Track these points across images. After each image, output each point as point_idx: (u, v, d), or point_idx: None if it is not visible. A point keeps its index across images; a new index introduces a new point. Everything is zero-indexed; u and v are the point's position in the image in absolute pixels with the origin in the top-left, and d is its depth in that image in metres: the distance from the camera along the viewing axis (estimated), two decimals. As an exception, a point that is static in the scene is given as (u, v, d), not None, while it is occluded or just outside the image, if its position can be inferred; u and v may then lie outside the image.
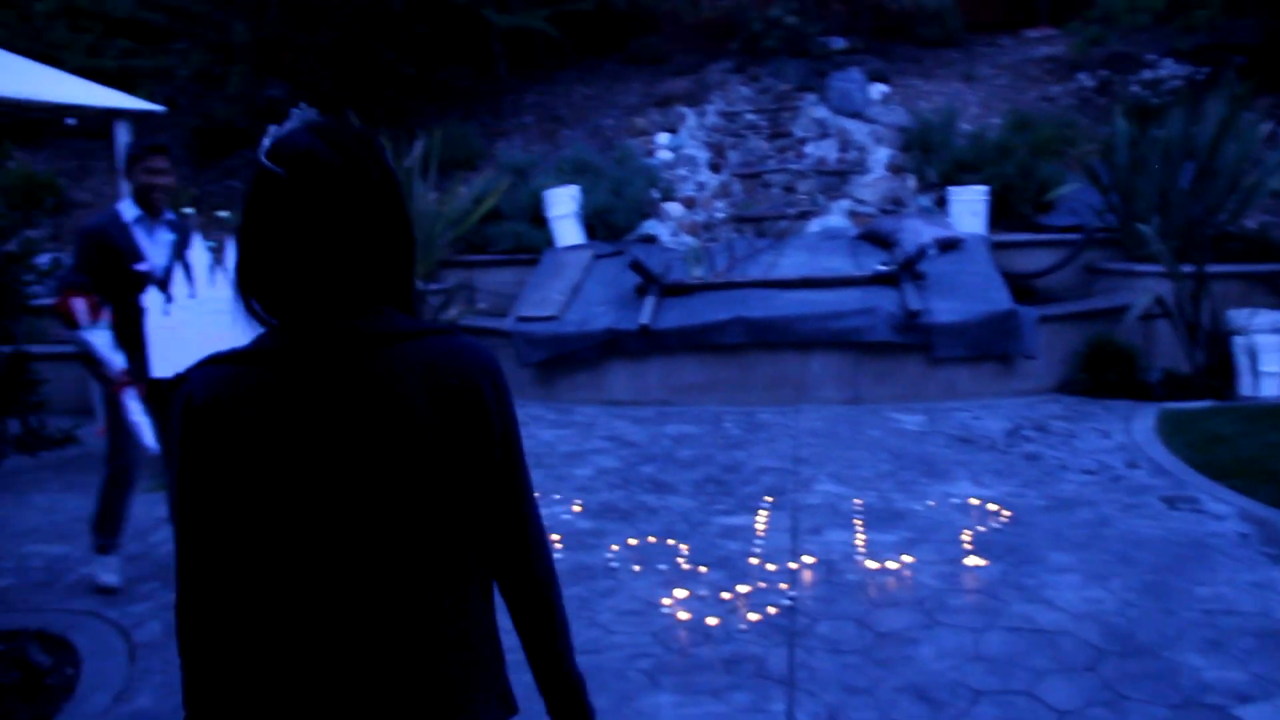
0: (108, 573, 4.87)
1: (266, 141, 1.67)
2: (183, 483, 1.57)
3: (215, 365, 1.56)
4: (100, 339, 4.33)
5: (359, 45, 10.89)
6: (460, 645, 1.62)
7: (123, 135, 8.49)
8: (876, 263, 8.55)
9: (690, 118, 11.09)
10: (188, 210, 4.39)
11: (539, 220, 9.94)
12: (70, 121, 12.60)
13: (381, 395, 1.53)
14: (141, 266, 4.54)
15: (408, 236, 1.62)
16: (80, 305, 4.38)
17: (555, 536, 5.28)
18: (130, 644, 4.40)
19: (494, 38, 12.09)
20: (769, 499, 5.72)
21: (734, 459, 6.51)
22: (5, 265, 3.90)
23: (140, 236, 4.61)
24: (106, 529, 4.83)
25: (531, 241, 9.83)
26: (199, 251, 4.59)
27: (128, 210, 4.65)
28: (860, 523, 5.30)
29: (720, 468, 6.35)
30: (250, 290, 1.57)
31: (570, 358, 8.29)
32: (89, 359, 4.41)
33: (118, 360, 4.34)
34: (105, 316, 4.43)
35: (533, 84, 12.60)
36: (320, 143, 1.52)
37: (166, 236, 4.66)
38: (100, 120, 8.99)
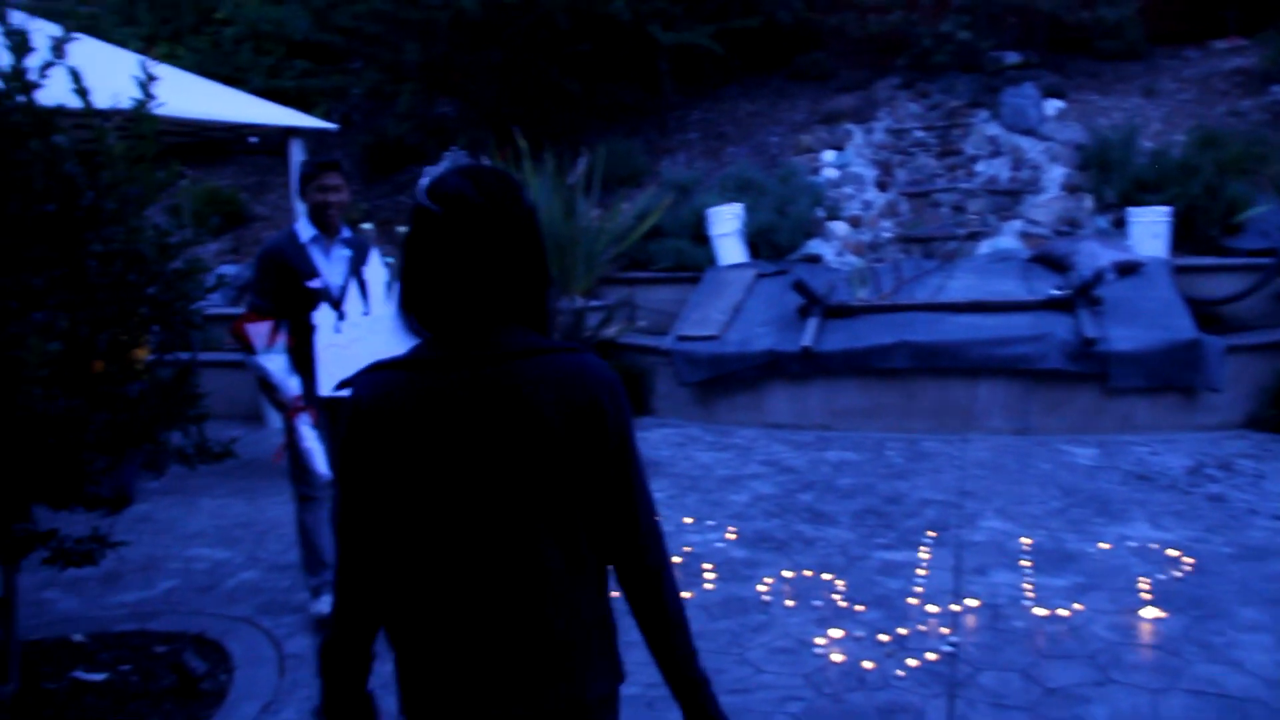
0: (325, 605, 4.78)
1: (424, 181, 2.03)
2: (346, 473, 1.86)
3: (379, 372, 1.86)
4: (275, 364, 4.39)
5: (525, 63, 11.04)
6: (573, 618, 1.87)
7: (297, 153, 8.80)
8: (1050, 287, 8.19)
9: (857, 135, 10.87)
10: (366, 226, 4.45)
11: (701, 238, 9.88)
12: (252, 140, 13.17)
13: (516, 401, 1.79)
14: (315, 284, 4.58)
15: (543, 266, 1.88)
16: (257, 330, 4.47)
17: (708, 565, 5.20)
18: (280, 654, 4.52)
19: (659, 55, 12.10)
20: (932, 534, 5.51)
21: (896, 489, 6.31)
22: (171, 282, 4.00)
23: (316, 255, 4.66)
24: (312, 566, 4.81)
25: (693, 259, 9.77)
26: (375, 268, 4.60)
27: (304, 229, 4.70)
28: (1028, 564, 5.05)
29: (881, 498, 6.16)
30: (410, 308, 1.88)
31: (730, 378, 8.20)
32: (265, 383, 4.49)
33: (292, 385, 4.40)
34: (282, 339, 4.50)
35: (698, 101, 12.56)
36: (469, 185, 1.80)
37: (343, 254, 4.70)
38: (278, 138, 9.35)
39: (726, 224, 9.67)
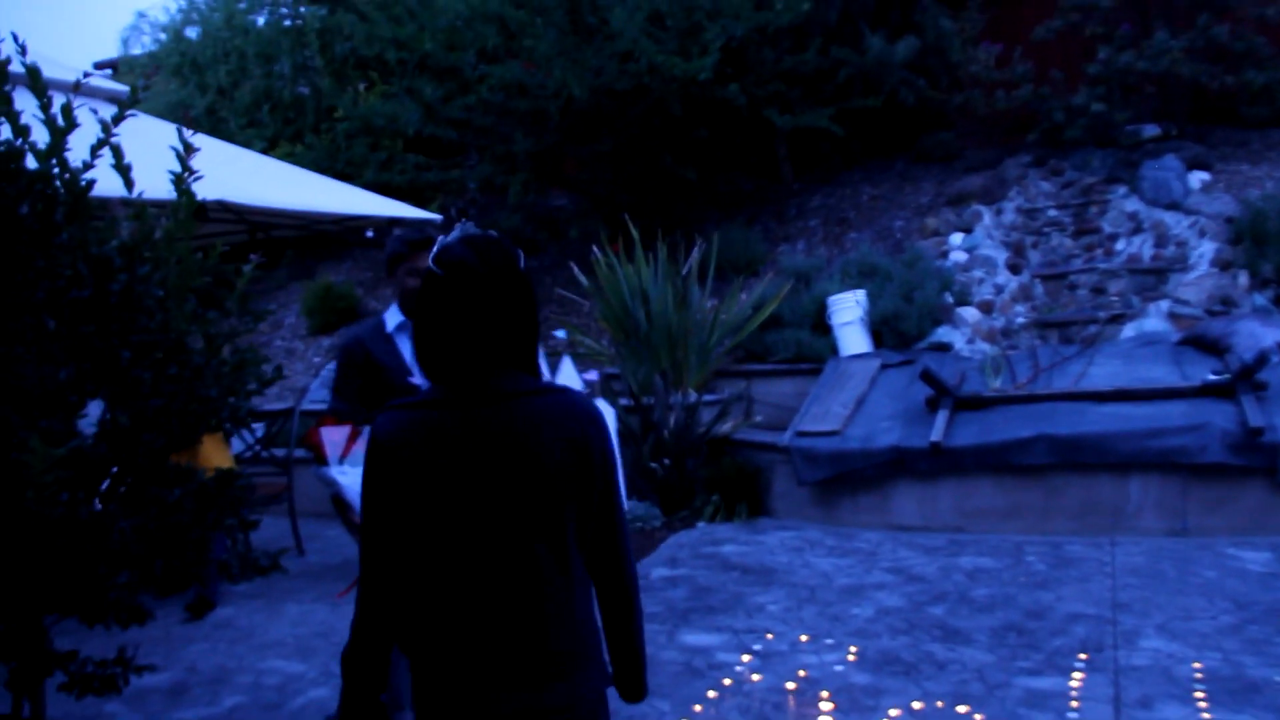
0: None
1: (435, 249, 2.19)
2: (368, 498, 2.16)
3: (395, 410, 2.16)
4: (350, 478, 3.86)
5: (639, 151, 10.74)
6: (567, 625, 2.13)
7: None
8: (1206, 371, 7.37)
9: (986, 216, 10.22)
10: None
11: (822, 327, 9.32)
12: (368, 234, 13.14)
13: (513, 435, 2.09)
14: (413, 380, 3.97)
15: (533, 322, 2.19)
16: (331, 436, 3.99)
17: (825, 694, 4.56)
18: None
19: (778, 140, 11.70)
20: (1083, 656, 4.77)
21: (1039, 601, 5.57)
22: (220, 376, 3.64)
23: (404, 346, 4.06)
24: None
25: (813, 350, 9.20)
26: None
27: (392, 317, 4.12)
28: (1202, 696, 4.28)
29: (1023, 612, 5.43)
30: (421, 359, 2.18)
31: (853, 477, 7.55)
32: (339, 501, 3.98)
33: None
34: (361, 449, 4.03)
35: (818, 186, 12.09)
36: (470, 253, 2.11)
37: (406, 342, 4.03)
38: (389, 231, 9.16)
39: (848, 312, 9.10)
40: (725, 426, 8.76)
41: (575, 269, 10.01)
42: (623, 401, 8.61)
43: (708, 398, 9.11)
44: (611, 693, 2.35)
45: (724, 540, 7.44)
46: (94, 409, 3.45)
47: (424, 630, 2.15)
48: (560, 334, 4.39)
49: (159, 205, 7.36)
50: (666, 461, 8.25)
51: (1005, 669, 4.71)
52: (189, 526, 3.46)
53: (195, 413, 3.70)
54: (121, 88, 8.24)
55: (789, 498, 8.01)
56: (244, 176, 8.02)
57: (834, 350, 9.16)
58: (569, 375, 3.95)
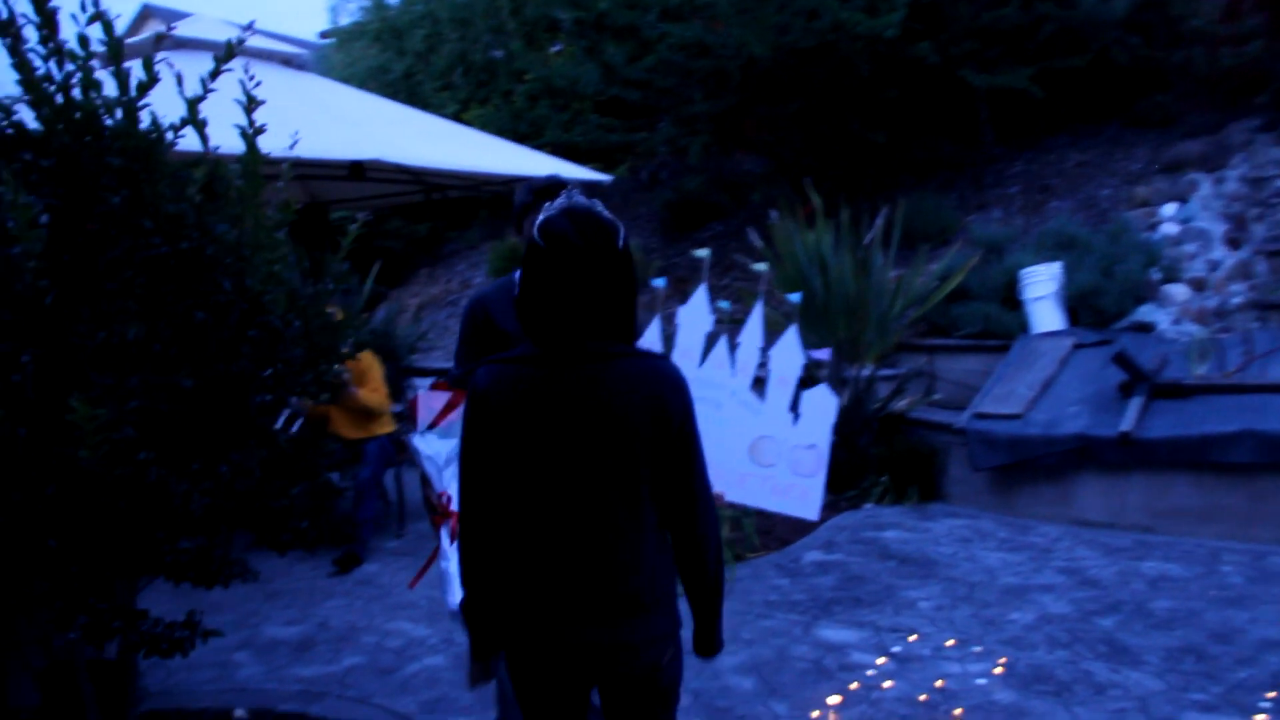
0: None
1: (541, 216, 2.26)
2: (467, 443, 2.32)
3: (494, 364, 2.31)
4: (433, 449, 3.56)
5: (825, 113, 10.17)
6: (639, 570, 2.29)
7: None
8: None
9: (1204, 185, 9.21)
10: (657, 282, 3.79)
11: (1012, 302, 8.62)
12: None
13: (598, 392, 2.23)
14: None
15: (631, 293, 2.29)
16: (427, 402, 3.73)
17: (957, 711, 4.09)
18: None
19: (979, 102, 10.90)
20: (1271, 695, 4.13)
21: (1229, 621, 4.90)
22: (300, 339, 3.48)
23: None
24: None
25: (1002, 325, 8.52)
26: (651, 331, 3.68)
27: None
28: None
29: (1207, 633, 4.78)
30: (523, 318, 2.30)
31: (1033, 465, 6.92)
32: (425, 477, 3.69)
33: (445, 481, 3.39)
34: (457, 419, 3.75)
35: (1020, 151, 11.23)
36: (571, 226, 2.22)
37: None
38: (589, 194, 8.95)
39: (1042, 286, 8.36)
40: (901, 403, 8.22)
41: (752, 234, 9.59)
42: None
43: (885, 372, 8.59)
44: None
45: (888, 525, 6.95)
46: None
47: (510, 568, 2.33)
48: (658, 283, 3.82)
49: (323, 165, 7.39)
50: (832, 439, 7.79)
51: (1174, 700, 4.13)
52: (254, 494, 3.31)
53: (279, 375, 3.56)
54: (293, 50, 8.33)
55: (964, 483, 7.44)
56: (416, 138, 7.97)
57: (1024, 327, 8.45)
58: (790, 348, 3.42)
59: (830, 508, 7.53)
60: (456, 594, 3.00)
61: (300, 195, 10.38)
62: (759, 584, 5.93)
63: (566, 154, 10.42)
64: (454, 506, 3.00)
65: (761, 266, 3.53)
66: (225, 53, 3.59)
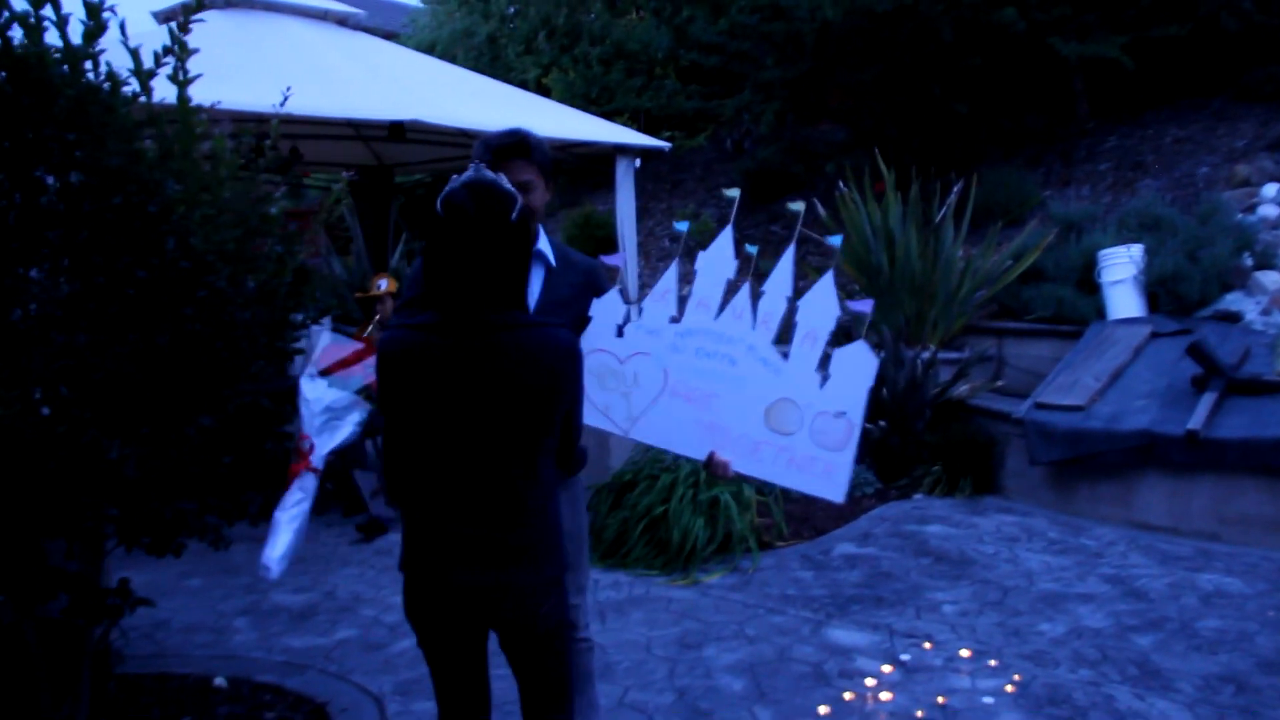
0: None
1: (447, 188, 2.37)
2: (381, 398, 2.50)
3: (399, 329, 2.45)
4: (318, 394, 3.19)
5: (905, 81, 9.61)
6: (530, 519, 2.45)
7: (623, 172, 8.02)
8: None
9: (1314, 164, 8.45)
10: (750, 249, 3.42)
11: (1088, 284, 8.03)
12: (636, 163, 12.67)
13: (500, 362, 2.35)
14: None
15: (521, 265, 2.43)
16: (333, 349, 3.46)
17: (953, 737, 3.70)
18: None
19: (1074, 72, 10.22)
20: (1314, 736, 3.65)
21: (1283, 647, 4.40)
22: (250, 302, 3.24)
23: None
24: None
25: (1075, 310, 7.95)
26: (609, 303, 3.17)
27: None
28: None
29: (1255, 660, 4.28)
30: (426, 286, 2.43)
31: (1093, 461, 6.40)
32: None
33: (314, 429, 3.15)
34: (361, 371, 3.45)
35: (1115, 125, 10.51)
36: (468, 198, 2.33)
37: (534, 274, 2.99)
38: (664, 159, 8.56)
39: (1120, 269, 7.77)
40: (962, 389, 7.73)
41: (819, 205, 9.14)
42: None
43: (949, 355, 8.09)
44: None
45: (933, 518, 6.52)
46: None
47: (418, 506, 2.49)
48: (681, 226, 3.35)
49: (373, 125, 7.17)
50: (883, 424, 7.35)
51: (1202, 735, 3.67)
52: (190, 461, 3.09)
53: (232, 339, 3.33)
54: (349, 10, 8.12)
55: (1021, 476, 6.95)
56: (465, 99, 7.71)
57: (1099, 312, 7.87)
58: (824, 298, 2.93)
59: (877, 496, 7.12)
60: (275, 548, 2.72)
61: (365, 156, 10.25)
62: (780, 575, 5.57)
63: (645, 120, 10.04)
64: (314, 458, 2.72)
65: (836, 240, 2.99)
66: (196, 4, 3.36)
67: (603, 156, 8.74)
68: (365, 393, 2.86)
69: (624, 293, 3.03)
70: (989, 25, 8.98)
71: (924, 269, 8.21)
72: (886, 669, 4.29)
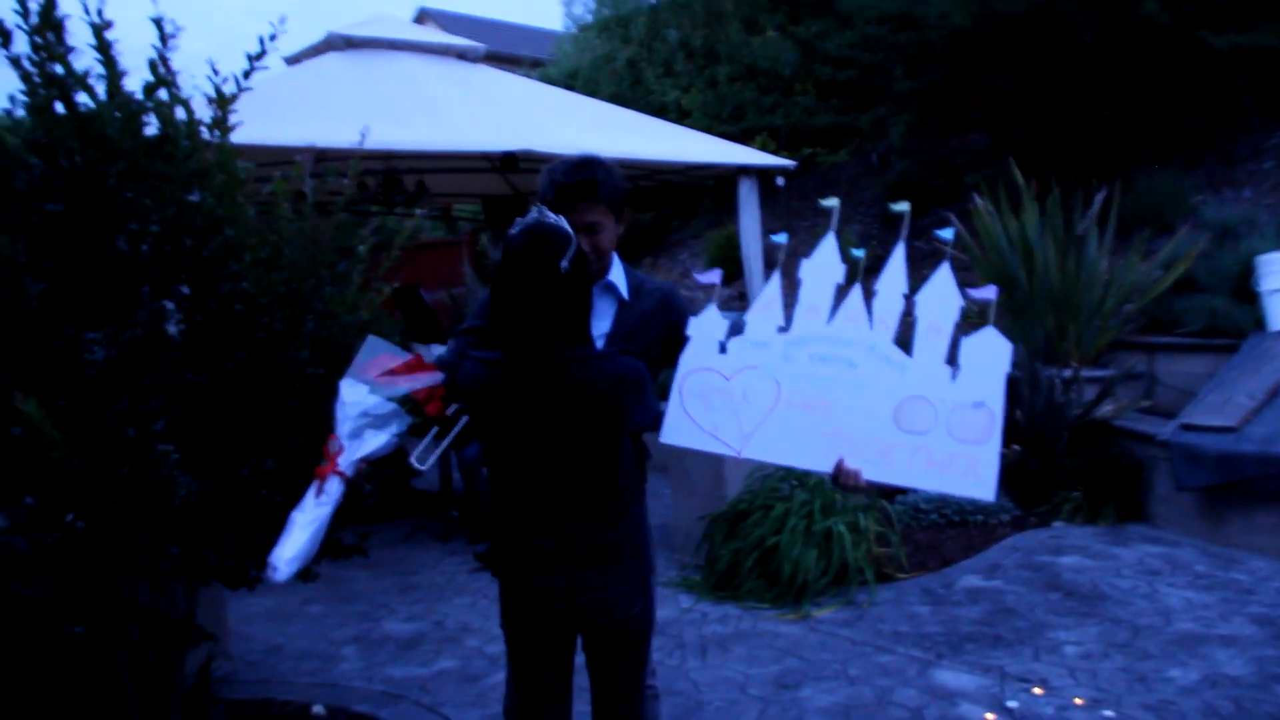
0: None
1: (510, 230, 2.50)
2: (470, 421, 2.65)
3: (474, 365, 2.61)
4: (357, 397, 2.95)
5: (1043, 86, 9.13)
6: (607, 517, 2.60)
7: (746, 194, 7.86)
8: None
9: None
10: (778, 238, 3.27)
11: (1246, 294, 7.42)
12: (779, 181, 12.46)
13: (557, 392, 2.50)
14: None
15: (579, 308, 2.53)
16: (385, 358, 3.33)
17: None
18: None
19: (1236, 66, 9.52)
20: None
21: None
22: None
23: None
24: None
25: (1230, 321, 7.36)
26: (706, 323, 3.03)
27: None
28: None
29: None
30: (493, 323, 2.58)
31: (1247, 487, 5.88)
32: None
33: (344, 435, 2.79)
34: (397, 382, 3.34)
35: (1284, 122, 9.74)
36: (521, 243, 2.44)
37: (606, 307, 2.99)
38: (810, 175, 8.44)
39: (1280, 276, 7.15)
40: (1106, 409, 7.25)
41: (953, 218, 8.76)
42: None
43: (1094, 373, 7.60)
44: None
45: (1070, 549, 6.10)
46: None
47: (502, 515, 2.66)
48: (779, 239, 3.13)
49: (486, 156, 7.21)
50: (1017, 448, 6.95)
51: (1341, 803, 3.27)
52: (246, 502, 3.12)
53: (286, 379, 3.34)
54: (468, 44, 8.20)
55: (1171, 503, 6.45)
56: (580, 127, 7.70)
57: (1258, 323, 7.26)
58: (944, 289, 2.74)
59: (1013, 524, 6.73)
60: (286, 548, 2.59)
61: (501, 187, 10.39)
62: (896, 611, 5.30)
63: (786, 138, 9.82)
64: (341, 462, 2.60)
65: (948, 233, 2.81)
66: (257, 52, 3.40)
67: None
68: (409, 404, 2.73)
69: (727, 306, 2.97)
70: (1131, 22, 8.45)
71: (1064, 281, 7.76)
72: (990, 717, 4.00)
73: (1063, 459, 7.03)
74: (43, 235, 3.28)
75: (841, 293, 2.78)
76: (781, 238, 3.13)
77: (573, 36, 16.45)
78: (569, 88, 16.66)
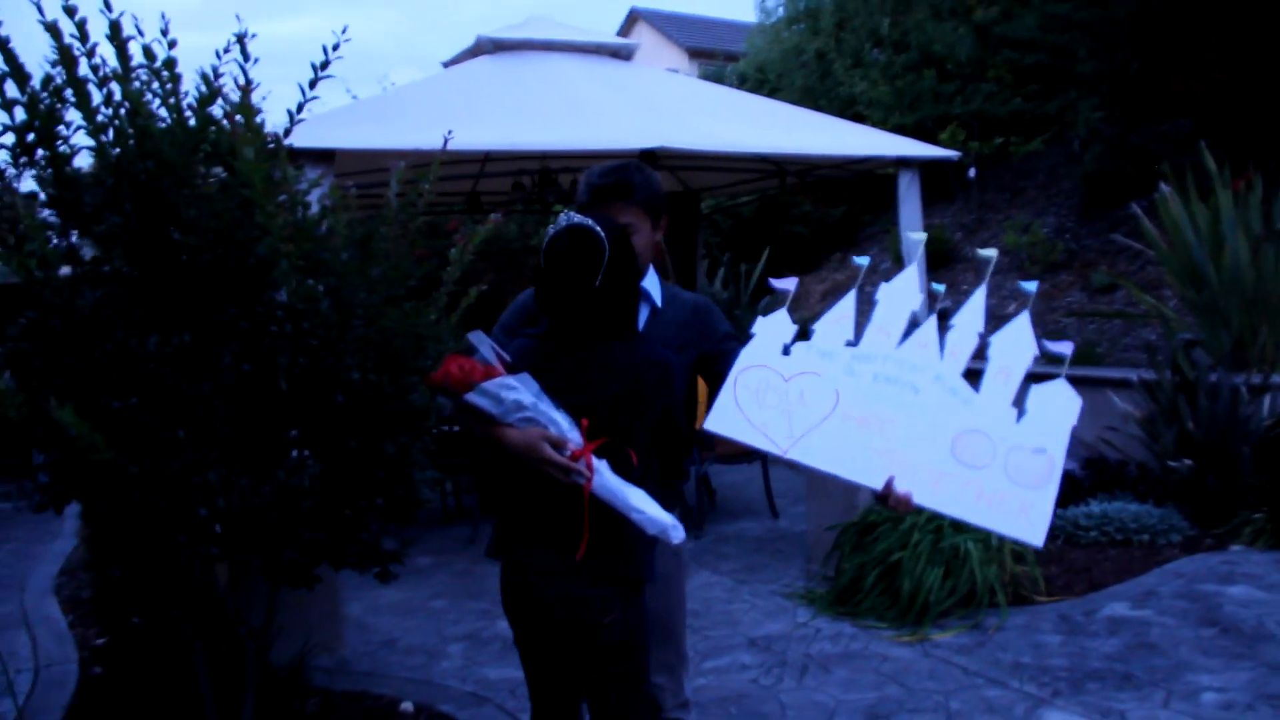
0: None
1: (550, 229, 2.59)
2: None
3: (524, 338, 2.71)
4: (499, 392, 2.84)
5: (1246, 64, 8.19)
6: (604, 521, 2.49)
7: (906, 187, 7.38)
8: None
9: None
10: (860, 260, 2.96)
11: None
12: (971, 173, 11.81)
13: (605, 365, 2.55)
14: None
15: (620, 296, 2.57)
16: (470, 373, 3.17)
17: None
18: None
19: None
20: None
21: None
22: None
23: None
24: None
25: None
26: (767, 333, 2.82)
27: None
28: None
29: None
30: (540, 304, 2.65)
31: None
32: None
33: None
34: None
35: None
36: (564, 239, 2.52)
37: (640, 312, 2.85)
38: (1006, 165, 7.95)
39: None
40: (1297, 422, 6.42)
41: (1138, 210, 8.01)
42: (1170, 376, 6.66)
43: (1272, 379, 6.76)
44: None
45: (1241, 577, 5.41)
46: None
47: (518, 497, 2.62)
48: (861, 261, 2.94)
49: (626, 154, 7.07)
50: (1188, 462, 6.24)
51: None
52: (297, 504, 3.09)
53: (333, 384, 3.27)
54: (621, 42, 8.03)
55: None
56: (731, 121, 7.42)
57: None
58: (1020, 336, 2.58)
59: (1184, 546, 6.05)
60: (659, 511, 2.48)
61: (672, 184, 10.22)
62: (1022, 639, 4.82)
63: (979, 127, 9.24)
64: (574, 441, 2.51)
65: (1031, 287, 2.78)
66: (321, 64, 3.37)
67: (936, 169, 8.29)
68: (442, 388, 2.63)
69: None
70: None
71: (1257, 279, 6.94)
72: (1090, 772, 3.54)
73: (1246, 476, 6.27)
74: (108, 242, 3.35)
75: (915, 321, 2.73)
76: (863, 260, 3.01)
77: (763, 29, 16.08)
78: (759, 81, 16.33)
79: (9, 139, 3.29)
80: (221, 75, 3.37)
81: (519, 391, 2.50)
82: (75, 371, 3.15)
